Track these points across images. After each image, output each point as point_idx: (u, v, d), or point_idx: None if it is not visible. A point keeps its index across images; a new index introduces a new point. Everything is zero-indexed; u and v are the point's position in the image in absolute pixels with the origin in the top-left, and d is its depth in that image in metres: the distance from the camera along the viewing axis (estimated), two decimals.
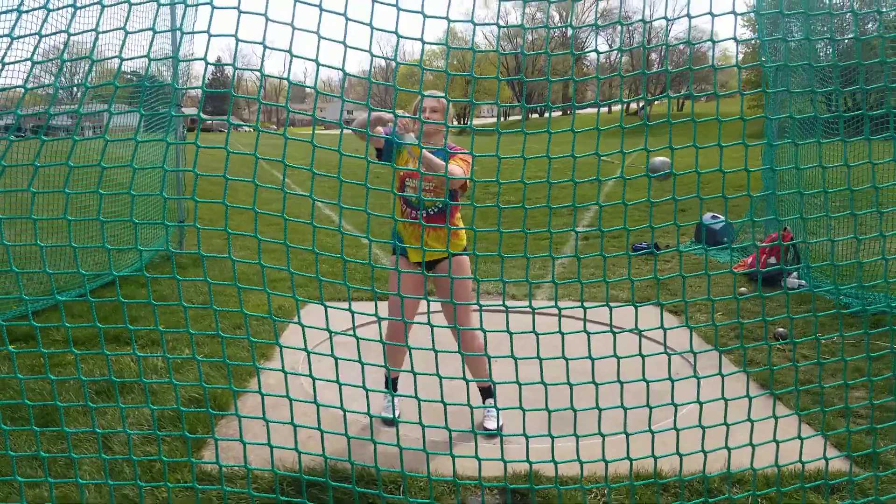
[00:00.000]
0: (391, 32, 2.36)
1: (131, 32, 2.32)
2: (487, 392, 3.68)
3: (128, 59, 2.87)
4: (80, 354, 2.61)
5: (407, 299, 3.45)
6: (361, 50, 2.39)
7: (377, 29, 2.37)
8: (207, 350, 4.67)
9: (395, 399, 3.74)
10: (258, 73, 2.58)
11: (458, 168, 3.35)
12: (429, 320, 2.54)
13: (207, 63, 2.48)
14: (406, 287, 3.55)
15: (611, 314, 2.53)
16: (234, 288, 2.52)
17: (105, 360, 3.95)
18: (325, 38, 2.37)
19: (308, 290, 6.30)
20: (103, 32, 2.44)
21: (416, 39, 2.34)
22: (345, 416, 2.57)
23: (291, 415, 2.60)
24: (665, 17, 2.78)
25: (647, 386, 2.47)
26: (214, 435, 2.68)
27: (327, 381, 2.62)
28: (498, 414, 3.66)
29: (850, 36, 3.02)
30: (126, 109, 6.89)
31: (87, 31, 2.35)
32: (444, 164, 3.16)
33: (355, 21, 2.35)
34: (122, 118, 7.78)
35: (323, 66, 2.39)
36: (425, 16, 2.31)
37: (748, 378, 2.50)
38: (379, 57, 2.47)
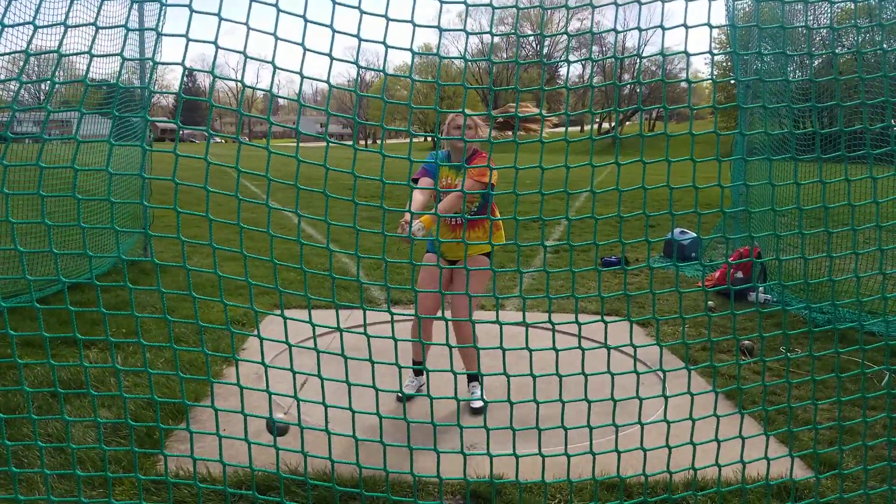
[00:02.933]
0: (378, 43, 2.31)
1: (102, 28, 2.23)
2: (473, 377, 4.05)
3: (98, 56, 2.76)
4: (23, 364, 2.48)
5: (434, 294, 3.98)
6: (346, 62, 2.32)
7: (364, 40, 2.31)
8: (169, 353, 4.54)
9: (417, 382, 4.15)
10: (230, 84, 2.49)
11: (470, 185, 3.80)
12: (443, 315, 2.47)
13: (185, 68, 2.38)
14: (436, 283, 3.99)
15: (579, 330, 2.49)
16: (198, 292, 2.43)
17: (64, 363, 3.83)
18: (311, 51, 2.31)
19: (275, 297, 6.19)
20: (72, 27, 2.34)
21: (406, 49, 2.29)
22: (302, 433, 2.48)
23: (246, 431, 2.51)
24: (638, 28, 2.76)
25: (614, 404, 2.42)
26: (163, 451, 2.57)
27: (285, 395, 2.54)
28: (482, 394, 3.99)
29: (825, 51, 3.03)
30: (96, 110, 6.73)
31: (55, 24, 2.26)
32: (455, 204, 3.75)
33: (342, 33, 2.29)
34: (90, 126, 7.60)
35: (307, 78, 2.32)
36: (416, 25, 2.27)
37: (717, 397, 2.46)
38: (366, 68, 2.41)
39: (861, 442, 2.66)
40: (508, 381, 2.62)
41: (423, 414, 2.74)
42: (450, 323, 3.81)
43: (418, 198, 3.86)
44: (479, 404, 3.96)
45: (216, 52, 2.22)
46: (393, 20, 2.29)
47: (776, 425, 3.64)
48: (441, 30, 2.38)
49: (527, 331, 2.80)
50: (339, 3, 2.26)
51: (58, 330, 4.84)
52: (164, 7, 2.29)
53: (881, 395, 2.95)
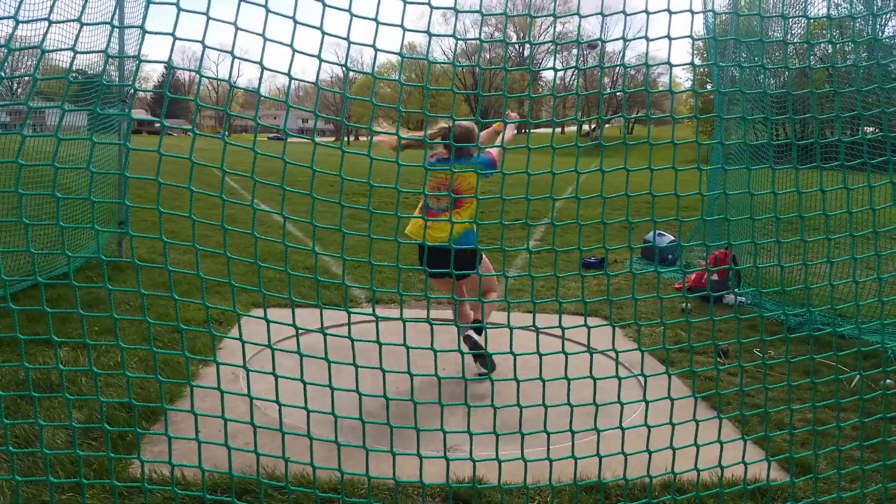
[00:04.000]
0: (369, 46, 2.29)
1: (87, 24, 2.19)
2: (479, 357, 4.47)
3: (82, 53, 2.72)
4: None
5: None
6: (333, 63, 2.30)
7: (354, 43, 2.30)
8: (143, 353, 4.46)
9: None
10: (210, 80, 2.45)
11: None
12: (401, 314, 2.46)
13: (170, 66, 2.34)
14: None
15: (563, 333, 2.50)
16: (175, 289, 2.40)
17: (43, 360, 3.74)
18: (301, 52, 2.29)
19: (255, 296, 6.13)
20: (56, 23, 2.30)
21: (395, 53, 2.27)
22: (283, 438, 2.46)
23: (226, 435, 2.49)
24: (623, 38, 2.78)
25: (596, 408, 2.44)
26: (140, 456, 2.54)
27: (267, 400, 2.52)
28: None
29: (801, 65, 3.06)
30: (77, 106, 6.61)
31: (39, 19, 2.21)
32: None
33: (332, 35, 2.27)
34: (65, 118, 7.45)
35: (295, 79, 2.30)
36: (405, 29, 2.25)
37: (696, 403, 2.49)
38: (356, 71, 2.39)
39: (835, 446, 2.70)
40: (492, 385, 2.64)
41: (405, 415, 2.73)
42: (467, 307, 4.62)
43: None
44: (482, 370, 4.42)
45: (203, 50, 2.19)
46: (382, 24, 2.28)
47: (751, 426, 3.67)
48: (430, 35, 2.38)
49: (511, 334, 2.80)
50: (329, 6, 2.24)
51: (26, 327, 4.75)
52: (149, 4, 2.25)
53: (854, 399, 3.00)
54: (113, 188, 7.48)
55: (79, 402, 3.63)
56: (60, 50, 3.49)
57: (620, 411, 2.45)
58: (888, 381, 4.16)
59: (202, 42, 2.26)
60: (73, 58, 2.36)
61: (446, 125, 4.28)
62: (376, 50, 2.35)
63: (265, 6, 2.26)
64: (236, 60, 2.28)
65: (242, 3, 2.27)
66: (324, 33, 2.28)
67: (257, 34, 2.19)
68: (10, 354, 4.19)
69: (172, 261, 7.19)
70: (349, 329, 2.45)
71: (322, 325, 2.41)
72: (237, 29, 2.20)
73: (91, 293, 5.77)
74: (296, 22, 2.22)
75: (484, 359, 4.37)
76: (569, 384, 2.53)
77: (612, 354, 2.56)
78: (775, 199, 2.79)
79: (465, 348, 4.48)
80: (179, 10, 2.24)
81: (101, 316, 2.30)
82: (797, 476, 2.93)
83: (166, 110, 2.27)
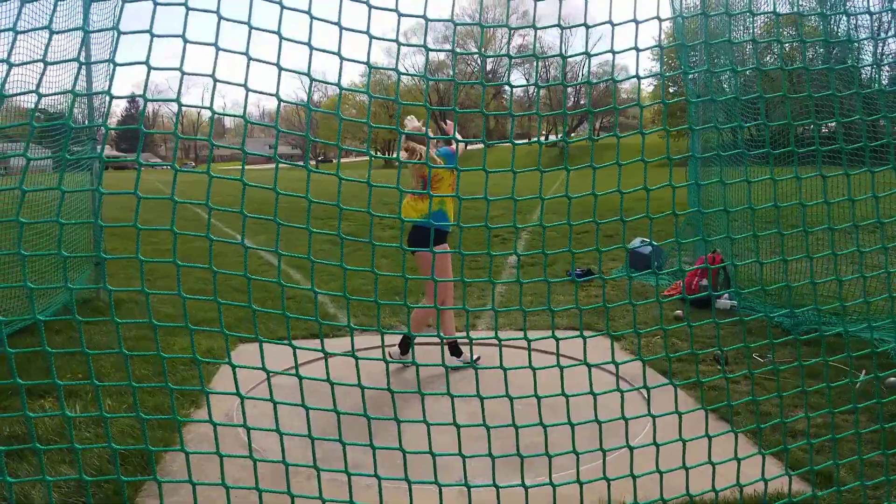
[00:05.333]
0: (363, 63, 2.25)
1: (51, 63, 2.12)
2: (455, 349, 5.11)
3: (47, 95, 2.62)
4: None
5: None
6: (298, 72, 2.26)
7: (348, 59, 2.25)
8: (132, 399, 4.30)
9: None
10: (173, 108, 2.39)
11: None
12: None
13: (146, 99, 2.26)
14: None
15: (557, 347, 2.45)
16: (160, 330, 2.31)
17: (16, 415, 3.57)
18: (287, 69, 2.24)
19: (238, 331, 6.00)
20: (17, 65, 2.22)
21: (392, 69, 2.23)
22: (287, 470, 2.38)
23: (222, 474, 2.39)
24: (586, 52, 2.76)
25: (600, 427, 2.36)
26: None
27: (265, 430, 2.43)
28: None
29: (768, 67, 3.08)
30: (47, 155, 6.45)
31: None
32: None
33: (313, 46, 2.23)
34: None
35: (285, 102, 2.25)
36: (400, 41, 2.22)
37: (707, 414, 2.41)
38: (348, 90, 2.35)
39: (857, 456, 2.62)
40: (482, 405, 2.50)
41: (387, 436, 2.64)
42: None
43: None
44: (457, 362, 4.97)
45: (182, 77, 2.13)
46: (346, 29, 2.24)
47: (763, 435, 3.55)
48: (399, 44, 2.35)
49: (500, 349, 2.74)
50: (287, 7, 2.20)
51: (8, 378, 4.57)
52: (119, 35, 2.19)
53: (871, 402, 2.91)
54: (87, 215, 7.27)
55: (70, 457, 3.45)
56: (24, 94, 3.39)
57: (625, 429, 2.38)
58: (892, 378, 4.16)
59: (180, 69, 2.21)
60: (38, 100, 2.29)
61: (415, 123, 4.91)
62: (342, 58, 2.32)
63: (249, 25, 2.21)
64: (201, 91, 2.22)
65: (199, 26, 2.23)
66: (282, 38, 2.23)
67: (242, 53, 2.14)
68: None
69: (152, 304, 7.03)
70: (326, 362, 2.38)
71: (296, 364, 2.33)
72: (217, 50, 2.15)
73: (72, 338, 5.61)
74: (281, 38, 2.17)
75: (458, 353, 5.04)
76: (567, 401, 2.44)
77: (610, 368, 2.49)
78: (748, 189, 2.76)
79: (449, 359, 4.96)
80: (153, 36, 2.19)
81: (72, 351, 2.19)
82: (819, 488, 2.82)
83: (130, 144, 2.20)
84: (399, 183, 2.40)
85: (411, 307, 2.41)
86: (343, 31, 2.31)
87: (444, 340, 4.57)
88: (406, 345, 5.08)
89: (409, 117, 5.02)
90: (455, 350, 5.13)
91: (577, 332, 2.42)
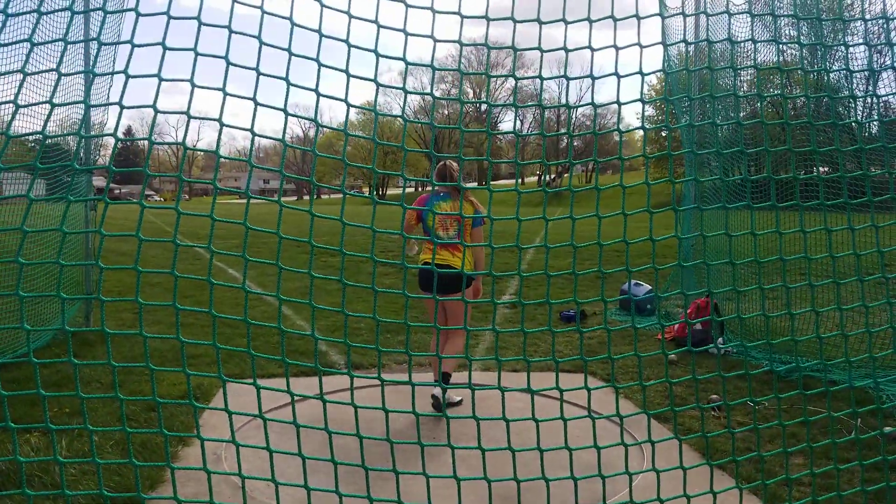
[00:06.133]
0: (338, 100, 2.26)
1: (58, 105, 2.11)
2: (445, 378, 4.89)
3: (52, 137, 2.61)
4: None
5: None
6: (302, 118, 2.27)
7: (354, 106, 2.27)
8: (119, 435, 4.22)
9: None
10: (170, 146, 2.39)
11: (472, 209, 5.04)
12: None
13: (152, 142, 2.27)
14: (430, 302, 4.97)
15: (561, 396, 2.42)
16: (148, 367, 2.27)
17: (8, 459, 3.50)
18: (295, 116, 2.25)
19: (227, 368, 5.92)
20: (24, 107, 2.22)
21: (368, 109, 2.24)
22: None
23: None
24: (592, 103, 2.80)
25: (603, 482, 2.33)
26: None
27: (260, 479, 2.38)
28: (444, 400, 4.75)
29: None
30: (47, 197, 6.41)
31: (5, 102, 2.14)
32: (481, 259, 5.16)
33: (310, 89, 2.24)
34: (20, 187, 7.27)
35: (291, 146, 2.25)
36: (379, 85, 2.23)
37: (712, 470, 2.38)
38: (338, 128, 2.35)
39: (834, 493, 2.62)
40: (483, 456, 2.45)
41: (385, 487, 2.58)
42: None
43: (410, 219, 5.05)
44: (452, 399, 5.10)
45: (188, 120, 2.13)
46: (354, 76, 2.26)
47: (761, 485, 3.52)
48: (406, 92, 2.37)
49: (503, 397, 2.71)
50: (296, 55, 2.22)
51: None
52: (128, 79, 2.20)
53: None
54: (80, 245, 7.21)
55: (53, 495, 3.39)
56: (30, 135, 3.39)
57: (629, 482, 2.35)
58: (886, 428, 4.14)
59: (187, 113, 2.21)
60: (44, 140, 2.29)
61: (445, 164, 5.06)
62: (348, 105, 2.33)
63: (256, 69, 2.22)
64: (198, 124, 2.23)
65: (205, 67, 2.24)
66: (289, 84, 2.25)
67: (246, 97, 2.15)
68: None
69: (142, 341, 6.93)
70: (324, 407, 2.34)
71: (294, 412, 2.29)
72: (225, 96, 2.15)
73: (59, 372, 5.51)
74: (291, 75, 2.18)
75: (441, 406, 4.83)
76: (571, 455, 2.41)
77: (611, 417, 2.46)
78: (755, 241, 2.77)
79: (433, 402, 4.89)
80: (160, 80, 2.19)
81: (68, 395, 2.15)
82: None
83: (125, 177, 2.19)
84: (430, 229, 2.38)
85: (413, 354, 2.38)
86: (350, 77, 2.33)
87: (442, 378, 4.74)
88: (446, 377, 5.00)
89: (447, 162, 5.12)
90: (444, 378, 5.04)
91: (581, 377, 2.39)
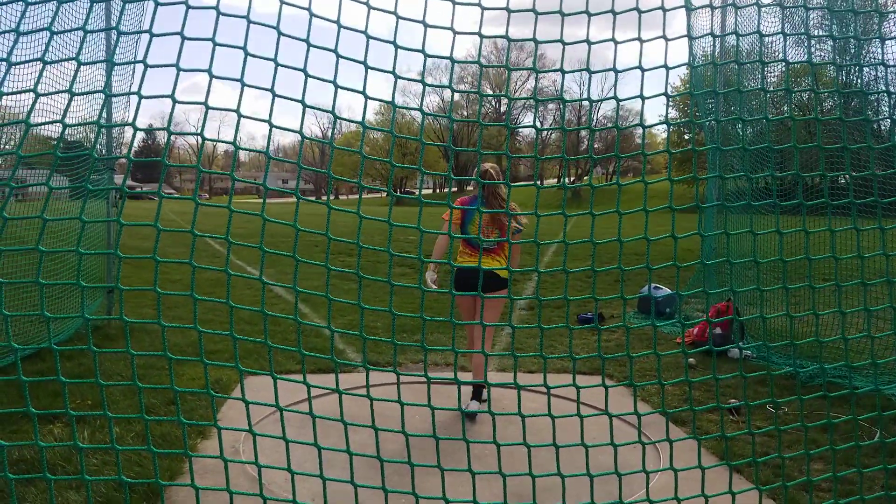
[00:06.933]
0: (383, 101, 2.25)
1: (77, 94, 2.12)
2: (476, 394, 5.00)
3: (72, 126, 2.63)
4: None
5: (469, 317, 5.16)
6: (321, 110, 2.26)
7: (372, 98, 2.26)
8: (140, 426, 4.26)
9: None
10: (191, 141, 2.40)
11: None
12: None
13: (170, 132, 2.27)
14: (468, 311, 5.16)
15: (578, 395, 2.39)
16: (167, 360, 2.27)
17: (25, 440, 3.55)
18: (312, 108, 2.24)
19: (244, 365, 5.94)
20: (44, 95, 2.23)
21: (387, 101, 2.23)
22: None
23: None
24: (615, 97, 2.76)
25: (620, 480, 2.30)
26: None
27: (276, 468, 2.37)
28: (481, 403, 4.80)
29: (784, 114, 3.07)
30: (67, 185, 6.49)
31: (25, 90, 2.15)
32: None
33: (336, 86, 2.24)
34: (41, 184, 7.32)
35: (308, 139, 2.25)
36: (397, 76, 2.21)
37: (731, 471, 2.35)
38: (347, 119, 2.35)
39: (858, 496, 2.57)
40: (499, 451, 2.45)
41: (402, 481, 2.57)
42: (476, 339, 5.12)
43: (441, 244, 4.98)
44: (475, 406, 4.89)
45: (206, 112, 2.13)
46: (372, 68, 2.25)
47: (783, 490, 3.46)
48: (425, 84, 2.36)
49: (518, 394, 2.69)
50: (314, 46, 2.21)
51: (19, 403, 4.53)
52: (146, 69, 2.19)
53: None
54: (101, 242, 7.29)
55: (77, 483, 3.42)
56: (50, 123, 3.40)
57: (646, 481, 2.32)
58: None
59: (205, 103, 2.22)
60: (63, 130, 2.29)
61: (487, 167, 5.02)
62: (366, 98, 2.32)
63: (276, 62, 2.22)
64: (217, 125, 2.23)
65: (225, 55, 2.24)
66: (307, 74, 2.24)
67: (263, 87, 2.15)
68: (5, 433, 3.99)
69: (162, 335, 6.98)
70: (340, 400, 2.33)
71: (310, 404, 2.28)
72: (243, 86, 2.15)
73: (81, 364, 5.57)
74: (308, 75, 2.18)
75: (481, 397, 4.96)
76: (587, 451, 2.39)
77: (628, 417, 2.43)
78: (781, 240, 2.72)
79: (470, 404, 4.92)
80: (179, 70, 2.20)
81: (86, 381, 2.17)
82: None
83: (146, 175, 2.20)
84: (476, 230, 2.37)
85: (428, 349, 2.36)
86: (368, 69, 2.32)
87: (473, 384, 4.99)
88: (479, 391, 5.04)
89: (487, 165, 5.09)
90: (478, 394, 5.08)
91: (597, 380, 2.36)
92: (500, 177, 4.96)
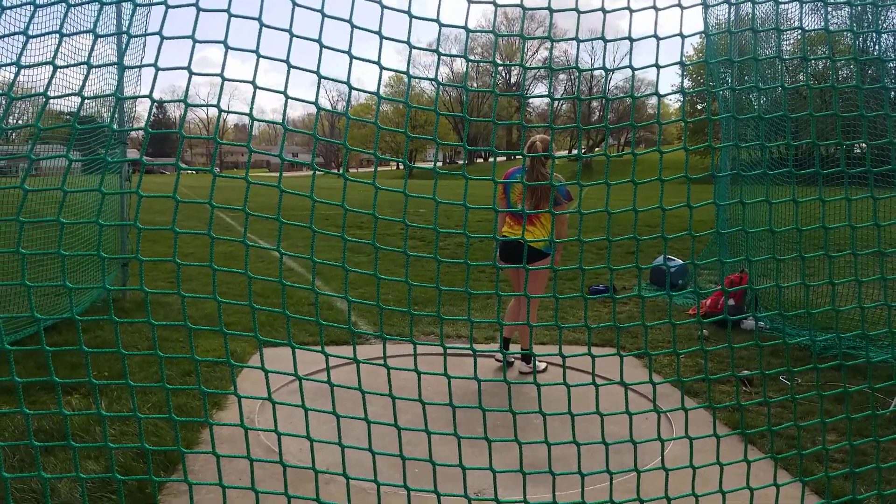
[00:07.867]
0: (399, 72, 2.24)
1: (95, 66, 2.13)
2: (527, 358, 5.30)
3: (91, 98, 2.64)
4: None
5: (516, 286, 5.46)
6: (337, 81, 2.25)
7: (387, 69, 2.25)
8: (156, 398, 4.34)
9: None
10: (201, 115, 2.40)
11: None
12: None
13: (187, 104, 2.27)
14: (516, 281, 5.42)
15: (593, 364, 2.41)
16: (182, 332, 2.31)
17: (47, 410, 3.63)
18: (327, 78, 2.24)
19: (263, 334, 5.99)
20: (62, 67, 2.24)
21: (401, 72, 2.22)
22: (316, 477, 2.36)
23: (252, 479, 2.38)
24: (630, 66, 2.74)
25: (635, 447, 2.32)
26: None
27: (296, 436, 2.41)
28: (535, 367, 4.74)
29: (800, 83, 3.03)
30: (85, 157, 6.53)
31: (43, 63, 2.16)
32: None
33: (350, 56, 2.22)
34: (57, 161, 7.39)
35: (324, 110, 2.25)
36: (411, 47, 2.20)
37: (746, 440, 2.36)
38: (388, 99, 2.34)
39: (874, 465, 2.58)
40: (515, 420, 2.48)
41: (419, 451, 2.61)
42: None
43: (499, 221, 5.15)
44: (532, 368, 5.05)
45: (222, 85, 2.14)
46: (387, 38, 2.23)
47: (796, 461, 3.48)
48: (440, 54, 2.34)
49: (534, 363, 2.73)
50: (328, 16, 2.20)
51: (37, 374, 4.62)
52: (162, 40, 2.19)
53: None
54: (114, 216, 7.34)
55: (94, 453, 3.50)
56: (66, 96, 3.40)
57: (661, 449, 2.34)
58: None
59: (221, 75, 2.21)
60: (81, 102, 2.30)
61: (535, 139, 5.20)
62: (381, 68, 2.31)
63: (289, 32, 2.21)
64: (227, 98, 2.23)
65: (237, 28, 2.23)
66: (352, 58, 2.23)
67: (278, 58, 2.15)
68: (16, 403, 4.06)
69: (177, 304, 7.09)
70: (358, 369, 2.35)
71: (328, 372, 2.32)
72: (258, 57, 2.14)
73: (98, 337, 5.65)
74: (322, 45, 2.17)
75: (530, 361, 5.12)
76: (602, 420, 2.41)
77: (642, 389, 2.45)
78: (796, 208, 2.70)
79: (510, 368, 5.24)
80: (195, 42, 2.20)
81: (109, 351, 2.20)
82: None
83: (157, 149, 2.21)
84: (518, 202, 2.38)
85: (444, 318, 2.38)
86: (383, 40, 2.30)
87: (517, 355, 5.39)
88: (528, 357, 5.32)
89: (536, 137, 5.25)
90: (526, 358, 5.37)
91: (612, 350, 2.38)
92: (546, 149, 5.06)
